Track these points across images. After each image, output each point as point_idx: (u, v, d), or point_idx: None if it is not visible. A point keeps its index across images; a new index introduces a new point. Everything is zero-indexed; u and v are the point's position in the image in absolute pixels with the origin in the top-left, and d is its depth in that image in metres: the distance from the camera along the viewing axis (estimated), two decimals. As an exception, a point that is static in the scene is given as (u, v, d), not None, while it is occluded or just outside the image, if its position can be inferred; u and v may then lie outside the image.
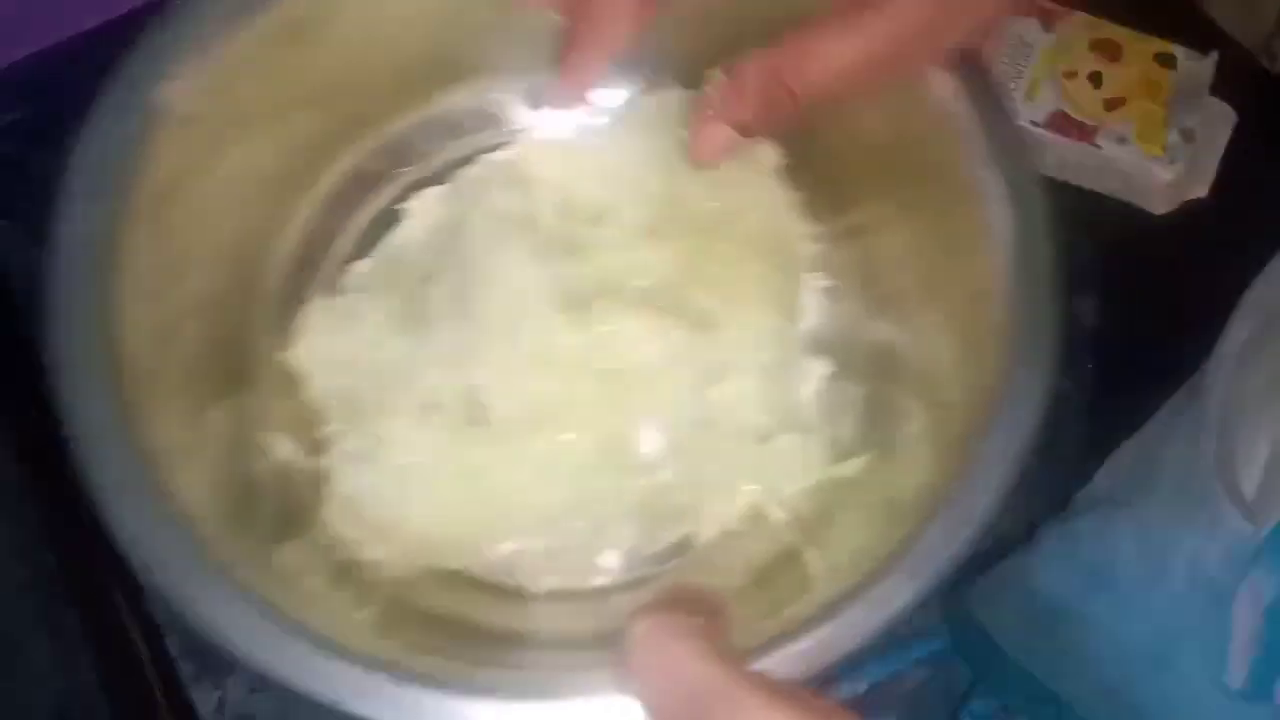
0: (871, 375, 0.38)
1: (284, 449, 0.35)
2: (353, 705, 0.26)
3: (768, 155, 0.39)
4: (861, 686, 0.43)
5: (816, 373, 0.38)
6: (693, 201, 0.37)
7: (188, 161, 0.32)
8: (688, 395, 0.35)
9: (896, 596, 0.29)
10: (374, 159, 0.39)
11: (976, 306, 0.33)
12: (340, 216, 0.38)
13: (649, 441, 0.35)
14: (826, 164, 0.39)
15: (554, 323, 0.34)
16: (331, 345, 0.35)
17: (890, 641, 0.41)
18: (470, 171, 0.38)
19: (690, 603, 0.28)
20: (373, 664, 0.27)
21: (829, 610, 0.28)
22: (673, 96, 0.37)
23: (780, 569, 0.35)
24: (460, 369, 0.34)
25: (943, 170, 0.35)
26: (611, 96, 0.39)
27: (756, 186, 0.38)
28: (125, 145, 0.31)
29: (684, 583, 0.35)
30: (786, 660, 0.28)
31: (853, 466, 0.35)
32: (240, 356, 0.36)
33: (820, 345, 0.39)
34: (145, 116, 0.31)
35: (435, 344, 0.34)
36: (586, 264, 0.35)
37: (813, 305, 0.39)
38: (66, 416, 0.29)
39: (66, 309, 0.30)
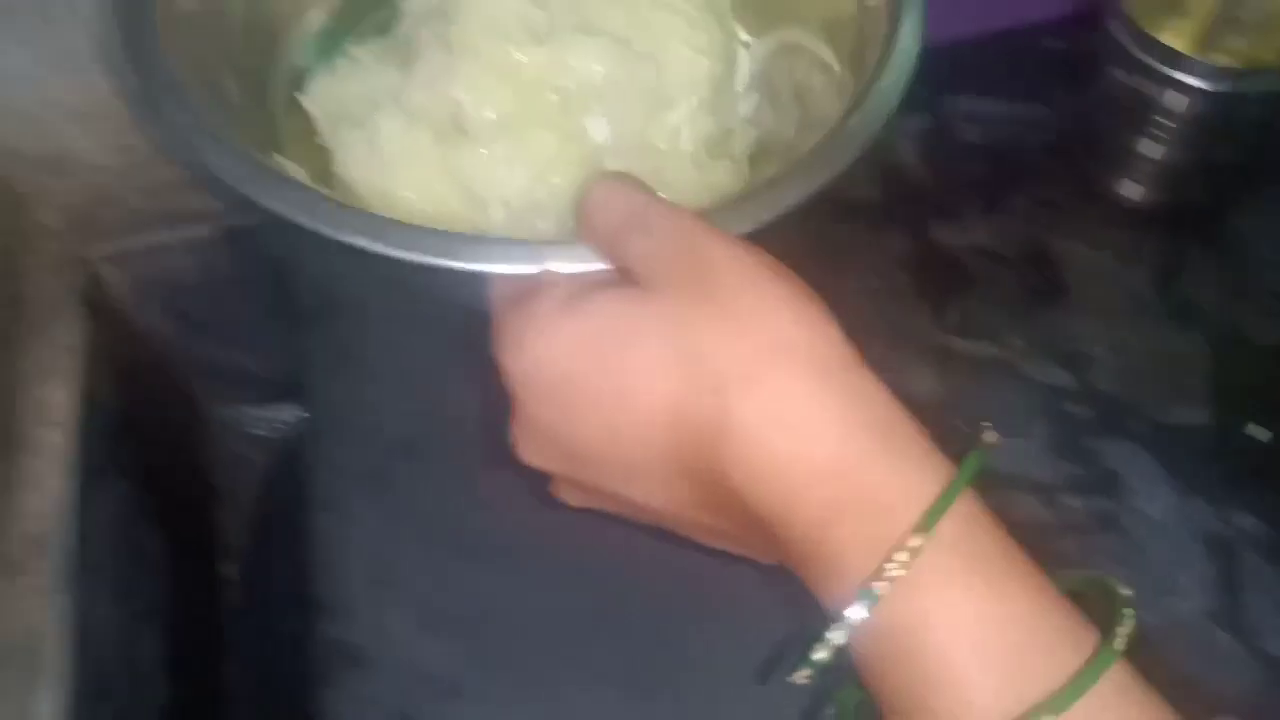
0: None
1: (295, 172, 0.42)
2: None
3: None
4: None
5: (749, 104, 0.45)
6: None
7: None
8: (635, 110, 0.42)
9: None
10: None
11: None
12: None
13: (600, 131, 0.41)
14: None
15: (520, 46, 0.41)
16: (335, 85, 0.43)
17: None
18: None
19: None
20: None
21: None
22: None
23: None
24: (443, 87, 0.41)
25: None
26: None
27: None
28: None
29: None
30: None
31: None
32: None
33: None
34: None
35: (421, 71, 0.41)
36: (549, 7, 0.43)
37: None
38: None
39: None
